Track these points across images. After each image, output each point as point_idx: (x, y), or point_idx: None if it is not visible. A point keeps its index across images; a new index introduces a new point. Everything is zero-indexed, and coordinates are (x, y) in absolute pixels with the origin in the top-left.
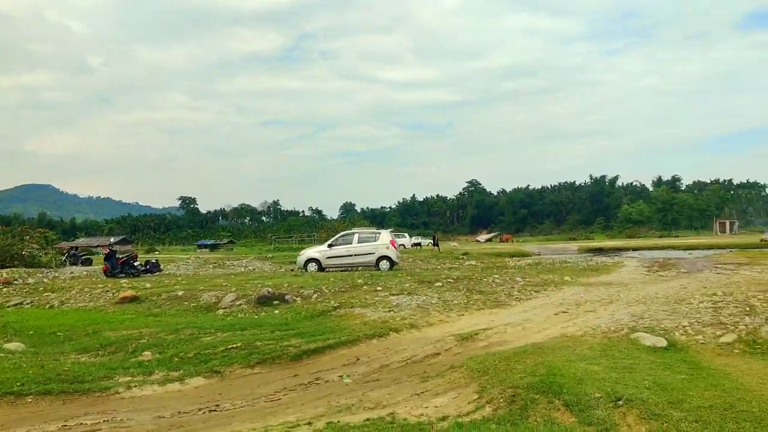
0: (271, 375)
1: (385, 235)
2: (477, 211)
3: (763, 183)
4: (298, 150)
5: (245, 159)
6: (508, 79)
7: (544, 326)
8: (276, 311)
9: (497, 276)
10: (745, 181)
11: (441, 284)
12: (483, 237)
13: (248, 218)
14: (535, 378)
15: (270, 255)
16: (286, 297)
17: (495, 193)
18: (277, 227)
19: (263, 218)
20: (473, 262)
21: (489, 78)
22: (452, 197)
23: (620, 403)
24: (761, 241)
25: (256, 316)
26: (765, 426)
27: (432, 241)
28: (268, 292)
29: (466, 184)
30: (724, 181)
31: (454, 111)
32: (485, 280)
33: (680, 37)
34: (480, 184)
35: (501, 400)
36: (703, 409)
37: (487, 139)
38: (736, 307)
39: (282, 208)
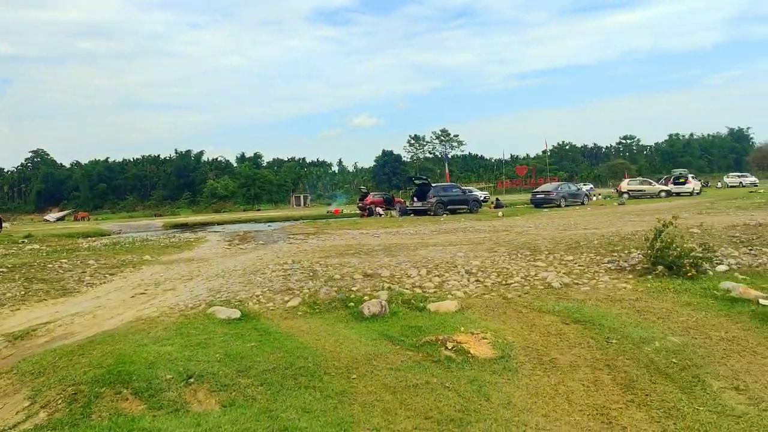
0: None
1: None
2: (45, 186)
3: (330, 162)
4: None
5: None
6: (82, 38)
7: (118, 311)
8: None
9: (66, 260)
10: (316, 160)
11: None
12: (53, 216)
13: None
14: (102, 369)
15: None
16: None
17: (68, 166)
18: None
19: None
20: (37, 246)
21: (58, 33)
22: (12, 169)
23: (192, 380)
24: (327, 212)
25: None
26: (317, 377)
27: None
28: None
29: (30, 154)
30: (299, 159)
31: (11, 66)
32: (51, 266)
33: (259, 21)
34: (48, 154)
35: (60, 402)
36: (268, 372)
37: (57, 104)
38: (303, 273)
39: None
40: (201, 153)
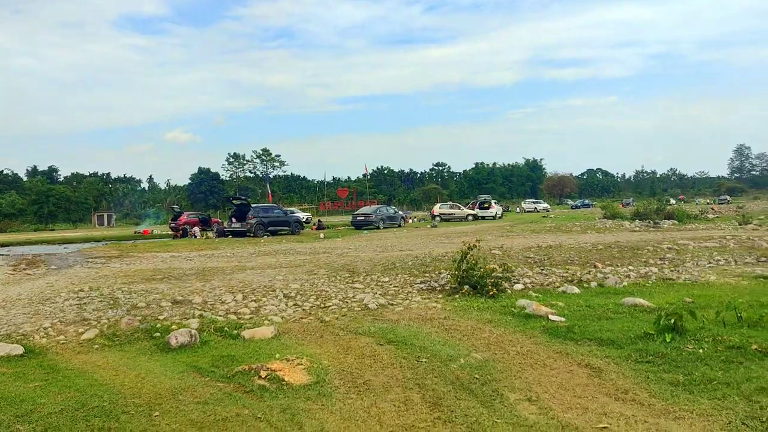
0: None
1: None
2: None
3: (138, 178)
4: None
5: None
6: None
7: None
8: None
9: None
10: (123, 176)
11: None
12: None
13: None
14: None
15: None
16: None
17: None
18: None
19: None
20: None
21: None
22: None
23: None
24: (135, 233)
25: None
26: (113, 417)
27: None
28: None
29: None
30: (103, 174)
31: None
32: None
33: (57, 21)
34: None
35: None
36: (54, 415)
37: None
38: (102, 301)
39: None
40: None
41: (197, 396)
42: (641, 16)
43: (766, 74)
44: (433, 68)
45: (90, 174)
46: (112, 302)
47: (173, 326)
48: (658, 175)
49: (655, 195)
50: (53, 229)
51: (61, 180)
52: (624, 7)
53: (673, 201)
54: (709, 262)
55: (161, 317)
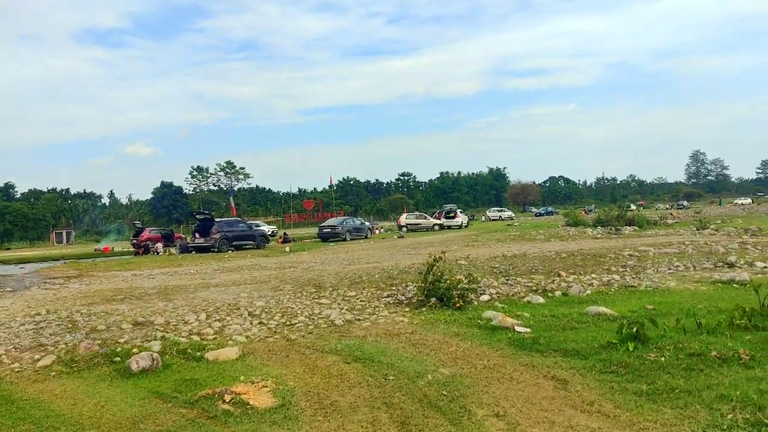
0: None
1: None
2: None
3: (99, 193)
4: None
5: None
6: None
7: None
8: None
9: None
10: (82, 192)
11: None
12: None
13: None
14: None
15: None
16: None
17: None
18: None
19: None
20: None
21: None
22: None
23: None
24: (95, 250)
25: None
26: None
27: None
28: None
29: None
30: (61, 190)
31: None
32: None
33: (14, 34)
34: None
35: None
36: None
37: None
38: (59, 325)
39: None
40: None
41: (159, 424)
42: (597, 27)
43: (716, 82)
44: (397, 79)
45: (48, 190)
46: (70, 326)
47: (134, 350)
48: (618, 182)
49: (616, 201)
50: (9, 248)
51: (18, 197)
52: (581, 18)
53: (633, 207)
54: (669, 269)
55: (122, 340)
